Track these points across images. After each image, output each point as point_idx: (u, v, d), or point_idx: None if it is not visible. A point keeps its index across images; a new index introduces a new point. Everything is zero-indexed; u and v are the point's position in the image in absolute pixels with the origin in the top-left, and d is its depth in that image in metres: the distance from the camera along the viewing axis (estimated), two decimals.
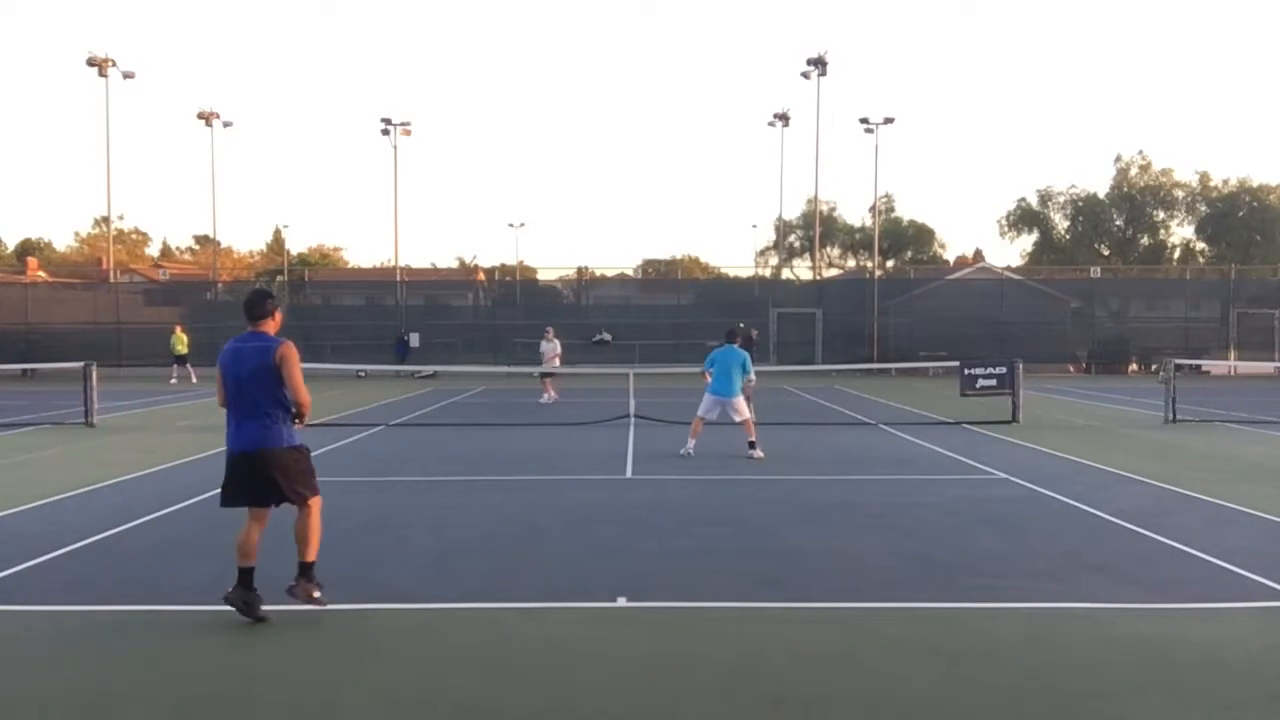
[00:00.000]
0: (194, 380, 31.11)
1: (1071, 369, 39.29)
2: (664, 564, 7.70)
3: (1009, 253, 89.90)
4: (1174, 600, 6.67)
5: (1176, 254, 62.39)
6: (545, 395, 23.83)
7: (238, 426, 6.41)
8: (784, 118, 49.96)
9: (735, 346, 14.23)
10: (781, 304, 40.62)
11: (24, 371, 35.34)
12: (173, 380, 31.10)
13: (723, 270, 65.25)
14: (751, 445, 13.73)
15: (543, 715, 4.79)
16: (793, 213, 72.00)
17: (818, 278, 50.00)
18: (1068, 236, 62.58)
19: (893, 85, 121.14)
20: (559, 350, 24.63)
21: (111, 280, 47.24)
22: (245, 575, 6.31)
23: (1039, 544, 8.40)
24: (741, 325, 31.23)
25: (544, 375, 24.23)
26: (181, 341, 32.34)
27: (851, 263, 71.59)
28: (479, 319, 43.17)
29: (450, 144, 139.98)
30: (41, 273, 55.61)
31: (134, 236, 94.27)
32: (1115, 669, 5.34)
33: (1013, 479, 11.74)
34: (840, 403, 23.78)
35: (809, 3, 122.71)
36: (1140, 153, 62.66)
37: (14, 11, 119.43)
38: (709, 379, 14.10)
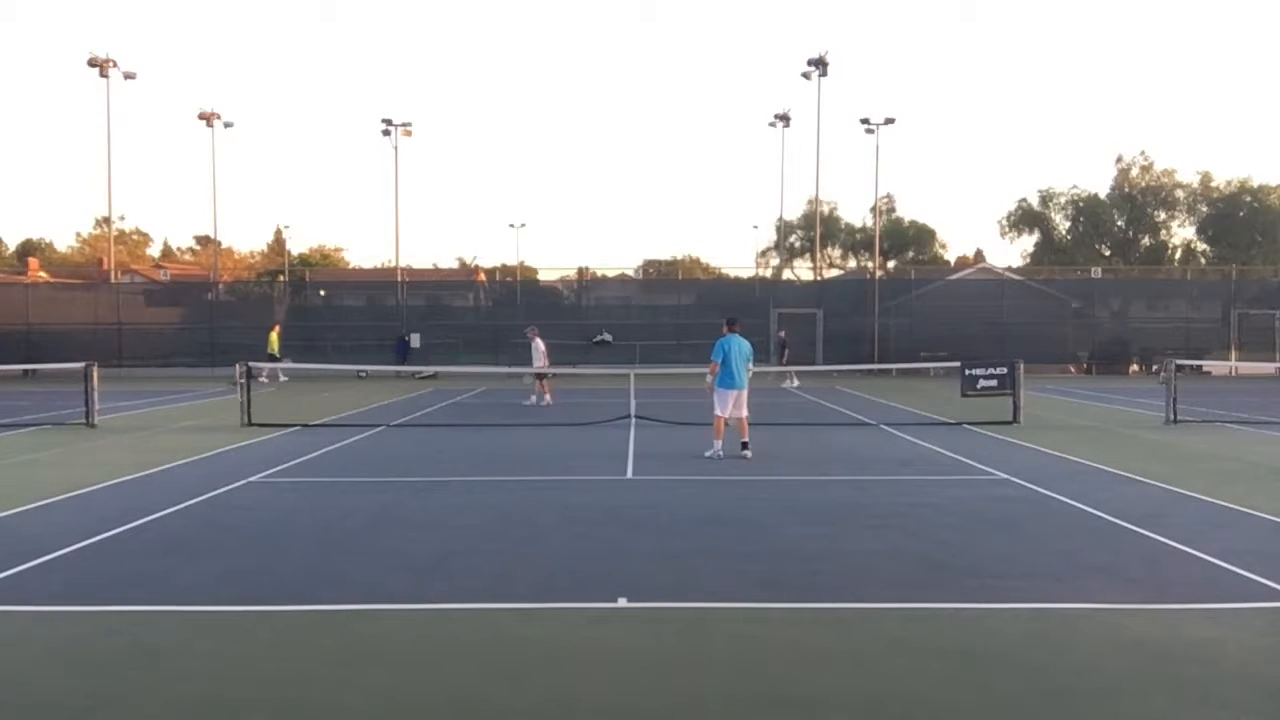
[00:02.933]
0: (264, 378, 31.35)
1: (1072, 369, 39.27)
2: (664, 564, 7.70)
3: (1010, 253, 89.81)
4: (1174, 600, 6.67)
5: (1178, 254, 62.33)
6: (534, 396, 23.35)
7: None
8: (785, 118, 49.91)
9: (739, 335, 13.96)
10: (782, 304, 40.56)
11: (25, 372, 35.34)
12: (263, 379, 31.46)
13: (723, 270, 65.24)
14: (744, 445, 13.66)
15: (543, 716, 4.80)
16: (794, 213, 71.87)
17: (818, 278, 49.97)
18: (1069, 237, 62.51)
19: (894, 86, 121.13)
20: (544, 348, 24.15)
21: (112, 281, 47.23)
22: None
23: (1039, 544, 8.41)
24: (782, 334, 31.03)
25: (541, 376, 23.84)
26: (272, 343, 32.71)
27: (852, 263, 71.56)
28: (479, 319, 43.15)
29: (451, 144, 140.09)
30: (42, 273, 55.63)
31: (135, 237, 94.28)
32: (1116, 669, 5.34)
33: (1013, 479, 11.74)
34: (841, 403, 23.77)
35: (809, 3, 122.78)
36: (1142, 153, 62.57)
37: (14, 14, 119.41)
38: (717, 371, 13.62)
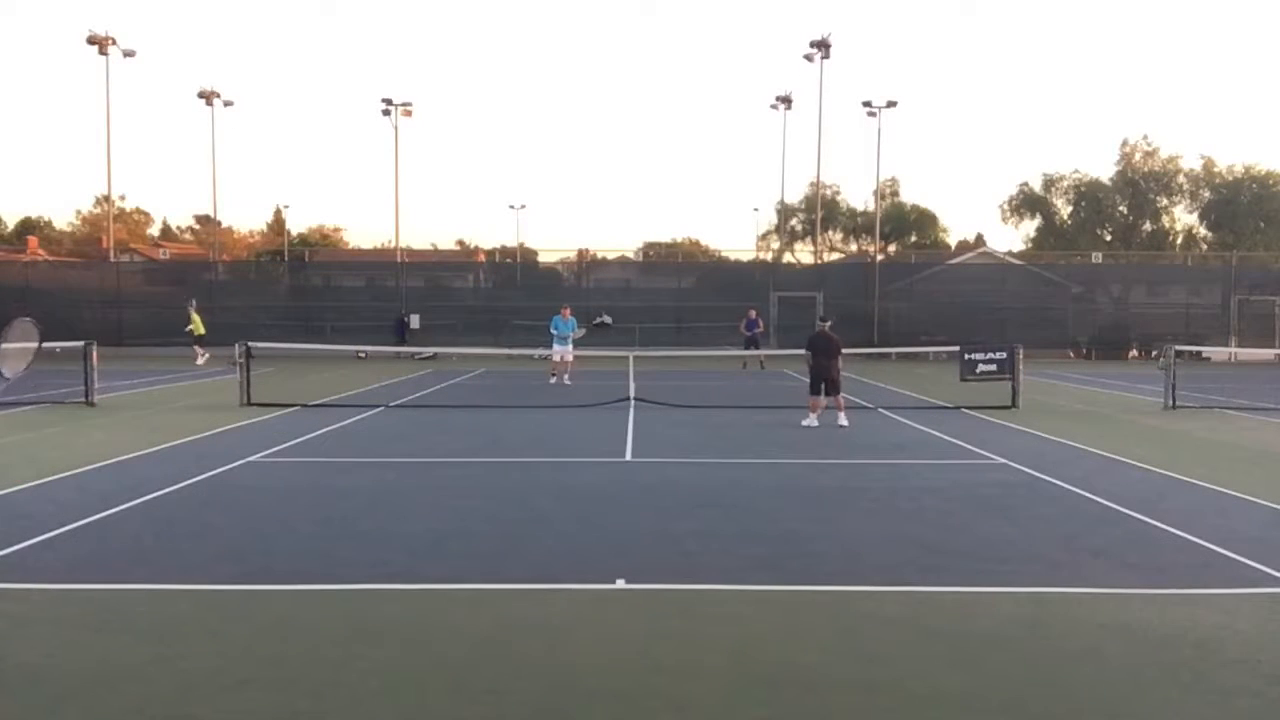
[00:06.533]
0: (200, 361, 31.07)
1: (1071, 354, 39.26)
2: (663, 546, 7.72)
3: (1011, 238, 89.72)
4: (1172, 586, 6.69)
5: (1179, 240, 62.20)
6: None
7: None
8: (786, 101, 49.69)
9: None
10: (783, 288, 40.51)
11: None
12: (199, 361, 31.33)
13: (724, 254, 65.13)
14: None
15: (541, 695, 4.82)
16: (796, 196, 71.83)
17: (819, 261, 49.89)
18: (1070, 222, 62.37)
19: (896, 69, 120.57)
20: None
21: (112, 259, 47.13)
22: None
23: (1038, 528, 8.43)
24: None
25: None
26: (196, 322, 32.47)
27: (853, 247, 71.46)
28: (479, 300, 43.09)
29: (451, 125, 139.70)
30: (41, 251, 55.52)
31: (135, 216, 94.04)
32: (1113, 653, 5.37)
33: (1012, 464, 11.76)
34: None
35: None
36: (1145, 137, 62.27)
37: None
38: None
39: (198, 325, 31.77)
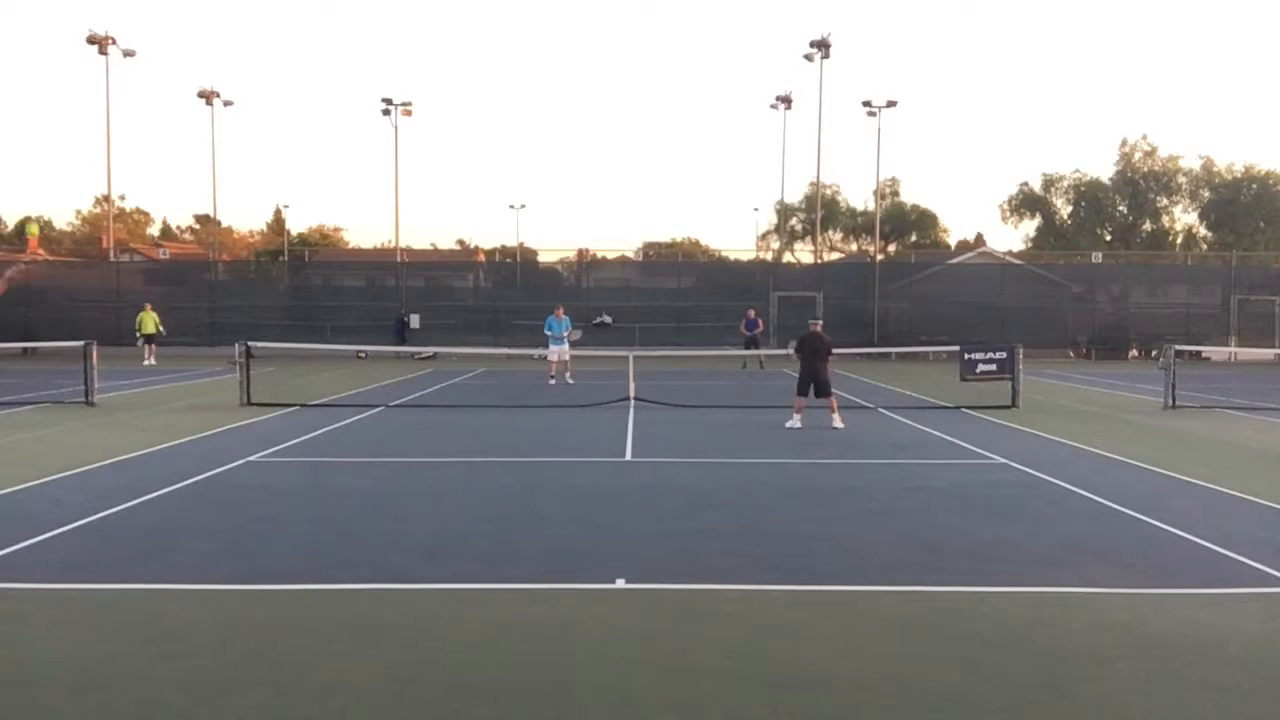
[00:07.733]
0: (153, 361, 30.80)
1: (1071, 354, 39.26)
2: (663, 546, 7.72)
3: (1011, 237, 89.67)
4: (1172, 585, 6.69)
5: (1179, 240, 62.21)
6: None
7: None
8: (786, 100, 49.65)
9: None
10: (783, 287, 40.53)
11: (24, 350, 35.29)
12: (149, 361, 30.96)
13: (724, 253, 65.10)
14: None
15: (540, 695, 4.81)
16: (795, 196, 71.80)
17: (819, 261, 49.89)
18: (1070, 222, 62.40)
19: (896, 69, 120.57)
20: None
21: (112, 259, 47.10)
22: None
23: (1038, 528, 8.43)
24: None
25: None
26: (150, 320, 32.26)
27: (854, 246, 71.44)
28: (479, 300, 43.09)
29: (451, 125, 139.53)
30: (41, 250, 55.46)
31: (135, 216, 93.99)
32: (1113, 653, 5.36)
33: (1012, 464, 11.75)
34: (839, 386, 23.58)
35: None
36: (1145, 137, 62.31)
37: None
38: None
39: (146, 324, 31.66)
